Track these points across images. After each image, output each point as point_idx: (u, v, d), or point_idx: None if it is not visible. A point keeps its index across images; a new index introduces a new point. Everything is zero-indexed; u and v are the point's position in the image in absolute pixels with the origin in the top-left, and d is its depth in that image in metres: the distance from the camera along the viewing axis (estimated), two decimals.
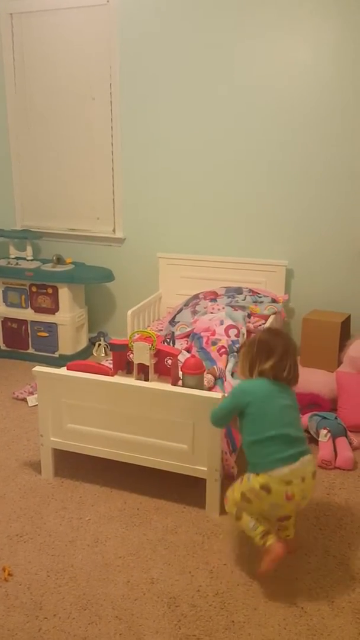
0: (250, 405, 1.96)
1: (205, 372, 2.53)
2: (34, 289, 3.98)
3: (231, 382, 2.68)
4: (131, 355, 2.51)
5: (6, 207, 4.41)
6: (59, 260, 4.03)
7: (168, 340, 3.12)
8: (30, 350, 4.10)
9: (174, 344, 3.15)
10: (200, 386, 2.44)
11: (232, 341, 3.00)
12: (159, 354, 2.48)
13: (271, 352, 2.00)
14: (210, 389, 2.56)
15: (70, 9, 3.84)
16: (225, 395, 2.26)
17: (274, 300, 3.48)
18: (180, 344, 3.18)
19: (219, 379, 2.70)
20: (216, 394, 2.28)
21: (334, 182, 3.51)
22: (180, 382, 2.48)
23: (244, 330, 3.12)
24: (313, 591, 1.94)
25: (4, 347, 4.17)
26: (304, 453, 1.93)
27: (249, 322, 3.30)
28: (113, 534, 2.23)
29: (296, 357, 2.08)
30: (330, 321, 3.37)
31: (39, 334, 4.04)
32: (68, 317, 3.95)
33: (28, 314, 4.05)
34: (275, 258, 3.70)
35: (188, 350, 3.07)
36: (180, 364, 2.54)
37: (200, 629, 1.79)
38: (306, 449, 1.95)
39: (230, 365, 2.84)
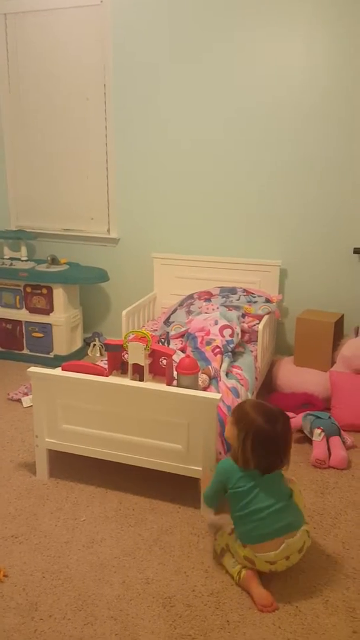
0: (231, 482, 1.98)
1: (199, 372, 2.54)
2: (28, 289, 3.98)
3: (226, 382, 2.69)
4: (126, 356, 2.52)
5: (0, 208, 4.40)
6: (54, 261, 4.02)
7: (163, 340, 3.12)
8: (25, 351, 4.09)
9: (168, 344, 3.15)
10: (194, 386, 2.44)
11: (226, 341, 3.01)
12: (153, 354, 2.48)
13: (266, 447, 1.91)
14: (204, 389, 2.57)
15: (64, 9, 3.83)
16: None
17: (268, 300, 3.49)
18: (175, 344, 3.18)
19: (213, 378, 2.70)
20: (211, 394, 2.29)
21: (328, 183, 3.52)
22: (175, 382, 2.48)
23: (238, 330, 3.13)
24: (307, 590, 1.95)
25: None
26: (290, 529, 1.90)
27: (243, 322, 3.30)
28: (108, 535, 2.24)
29: (289, 445, 1.97)
30: (323, 321, 3.39)
31: (34, 334, 4.03)
32: (63, 317, 3.95)
33: (23, 315, 4.04)
34: (269, 258, 3.72)
35: (183, 350, 3.08)
36: (175, 364, 2.54)
37: (196, 628, 1.80)
38: (292, 523, 1.92)
39: (224, 365, 2.84)
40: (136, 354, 2.44)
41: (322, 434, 2.81)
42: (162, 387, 2.37)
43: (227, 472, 1.99)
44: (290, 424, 2.00)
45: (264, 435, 1.91)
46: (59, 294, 3.91)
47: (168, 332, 3.32)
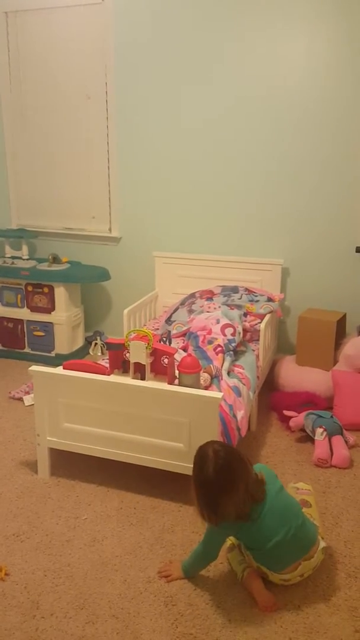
0: (234, 534, 1.94)
1: (201, 371, 2.53)
2: (29, 288, 3.98)
3: (227, 381, 2.68)
4: (127, 355, 2.51)
5: (1, 206, 4.40)
6: (55, 260, 4.02)
7: (164, 339, 3.11)
8: (27, 350, 4.09)
9: (170, 343, 3.14)
10: (196, 385, 2.44)
11: (228, 340, 3.00)
12: (155, 353, 2.48)
13: (208, 497, 1.78)
14: (206, 387, 2.56)
15: (65, 7, 3.83)
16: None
17: (269, 299, 3.48)
18: (177, 343, 3.18)
19: (215, 377, 2.70)
20: (213, 393, 2.29)
21: (329, 182, 3.52)
22: (176, 381, 2.48)
23: (240, 329, 3.12)
24: (309, 589, 1.94)
25: (0, 347, 4.16)
26: (307, 549, 1.88)
27: (245, 320, 3.30)
28: (110, 533, 2.23)
29: (248, 481, 1.80)
30: (325, 320, 3.38)
31: (35, 333, 4.03)
32: (64, 316, 3.94)
33: (24, 314, 4.04)
34: (271, 257, 3.71)
35: (184, 349, 3.08)
36: (176, 363, 2.54)
37: (197, 627, 1.80)
38: (310, 539, 1.90)
39: (226, 364, 2.84)
40: (138, 353, 2.44)
41: (324, 433, 2.80)
42: (164, 386, 2.37)
43: (217, 534, 1.90)
44: (233, 461, 1.80)
45: (199, 484, 1.80)
46: (61, 293, 3.90)
47: (170, 331, 3.32)
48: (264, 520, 1.83)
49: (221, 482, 1.76)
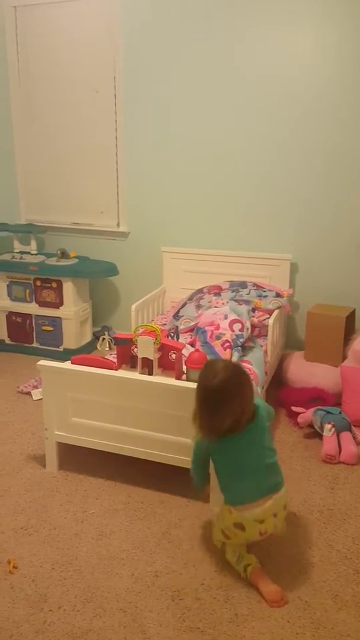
0: (212, 453, 2.01)
1: None
2: (38, 283, 3.99)
3: None
4: (135, 350, 2.52)
5: (10, 201, 4.41)
6: (63, 255, 4.03)
7: (172, 334, 3.11)
8: (35, 344, 4.11)
9: (178, 338, 3.14)
10: None
11: (236, 335, 2.99)
12: (163, 348, 2.48)
13: (206, 404, 1.89)
14: None
15: (74, 1, 3.81)
16: None
17: (278, 295, 3.47)
18: (184, 338, 3.17)
19: None
20: None
21: (337, 176, 3.49)
22: (184, 377, 2.48)
23: (248, 324, 3.11)
24: (317, 585, 1.94)
25: (8, 341, 4.18)
26: (276, 487, 1.94)
27: (253, 316, 3.29)
28: (117, 527, 2.24)
29: (235, 398, 1.87)
30: (335, 315, 3.37)
31: (44, 328, 4.04)
32: (72, 311, 3.95)
33: (32, 308, 4.05)
34: (279, 252, 3.69)
35: (192, 344, 3.07)
36: (184, 358, 2.54)
37: (204, 621, 1.80)
38: (278, 482, 1.96)
39: (234, 360, 2.83)
40: (145, 348, 2.44)
41: (333, 429, 2.79)
42: (171, 381, 2.37)
43: (200, 447, 2.05)
44: (240, 376, 1.90)
45: (202, 391, 1.91)
46: (69, 288, 3.91)
47: (177, 326, 3.32)
48: (241, 443, 1.92)
49: (225, 390, 1.86)
